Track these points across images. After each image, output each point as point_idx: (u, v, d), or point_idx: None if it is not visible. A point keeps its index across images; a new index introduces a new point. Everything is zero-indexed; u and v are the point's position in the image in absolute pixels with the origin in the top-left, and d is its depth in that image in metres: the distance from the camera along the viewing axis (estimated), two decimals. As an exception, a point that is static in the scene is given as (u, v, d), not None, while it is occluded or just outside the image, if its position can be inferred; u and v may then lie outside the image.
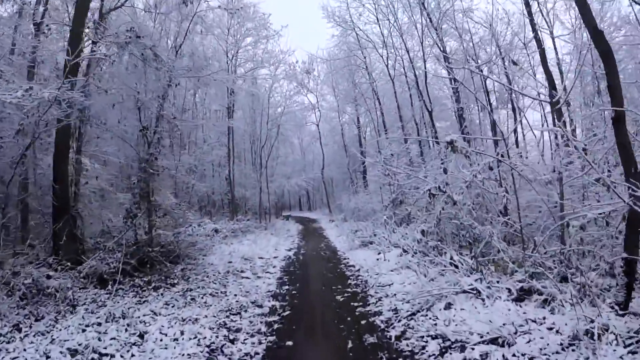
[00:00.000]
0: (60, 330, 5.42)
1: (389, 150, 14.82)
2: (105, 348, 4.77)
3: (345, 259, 10.95)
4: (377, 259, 9.80)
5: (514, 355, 3.85)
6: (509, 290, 5.53)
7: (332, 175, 35.21)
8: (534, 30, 10.56)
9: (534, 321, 4.49)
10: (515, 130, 18.34)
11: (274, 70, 21.84)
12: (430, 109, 22.22)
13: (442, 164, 12.79)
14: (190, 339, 5.08)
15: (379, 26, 22.12)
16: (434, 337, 4.60)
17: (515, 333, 4.25)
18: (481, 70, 21.60)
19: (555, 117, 8.62)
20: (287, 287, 8.21)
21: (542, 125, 11.52)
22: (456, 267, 7.97)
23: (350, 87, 27.16)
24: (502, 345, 4.07)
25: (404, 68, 22.67)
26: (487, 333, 4.35)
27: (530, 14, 10.68)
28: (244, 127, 23.88)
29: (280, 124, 22.82)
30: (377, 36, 22.36)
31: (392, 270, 8.44)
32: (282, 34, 19.72)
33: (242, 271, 9.82)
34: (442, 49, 22.06)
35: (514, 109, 21.27)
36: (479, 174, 8.94)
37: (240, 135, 25.76)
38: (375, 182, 27.52)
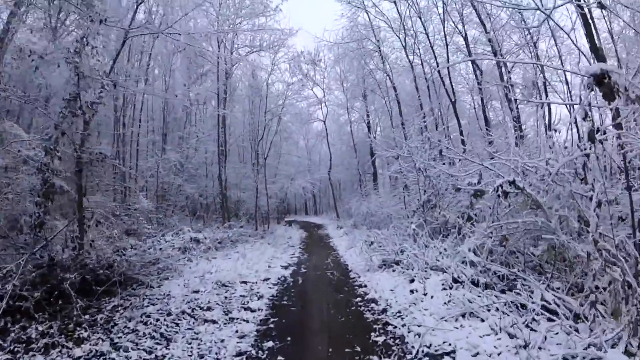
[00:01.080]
0: None
1: (415, 140, 11.27)
2: None
3: (361, 286, 7.45)
4: (412, 291, 6.30)
5: None
6: None
7: (339, 177, 31.82)
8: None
9: None
10: (549, 127, 15.33)
11: (274, 55, 18.52)
12: (453, 99, 18.80)
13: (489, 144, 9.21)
14: None
15: (396, 4, 18.69)
16: None
17: None
18: (504, 64, 18.56)
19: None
20: (271, 343, 4.78)
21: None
22: (552, 313, 4.64)
23: (360, 79, 23.80)
24: None
25: (420, 57, 19.31)
26: None
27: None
28: (241, 119, 20.60)
29: (281, 114, 19.42)
30: (392, 17, 18.98)
31: (444, 319, 4.93)
32: (281, 9, 16.33)
33: (208, 308, 6.40)
34: (464, 34, 18.82)
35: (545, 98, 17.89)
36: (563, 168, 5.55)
37: (237, 131, 22.48)
38: (391, 184, 24.08)
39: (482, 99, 18.93)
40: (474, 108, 24.00)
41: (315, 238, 17.32)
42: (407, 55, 18.51)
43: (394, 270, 7.81)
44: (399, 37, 18.68)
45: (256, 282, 8.36)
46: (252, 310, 6.33)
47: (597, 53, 7.19)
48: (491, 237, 6.06)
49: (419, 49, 19.01)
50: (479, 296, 5.61)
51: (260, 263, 10.65)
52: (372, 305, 6.13)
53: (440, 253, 7.74)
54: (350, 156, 29.89)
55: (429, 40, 18.48)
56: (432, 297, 5.87)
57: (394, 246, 8.82)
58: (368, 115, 26.17)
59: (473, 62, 18.99)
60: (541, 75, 16.99)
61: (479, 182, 7.76)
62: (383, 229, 15.00)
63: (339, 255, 11.74)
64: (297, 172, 23.39)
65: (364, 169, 27.58)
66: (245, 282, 8.27)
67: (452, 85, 19.00)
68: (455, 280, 6.15)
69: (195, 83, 20.73)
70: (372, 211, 16.23)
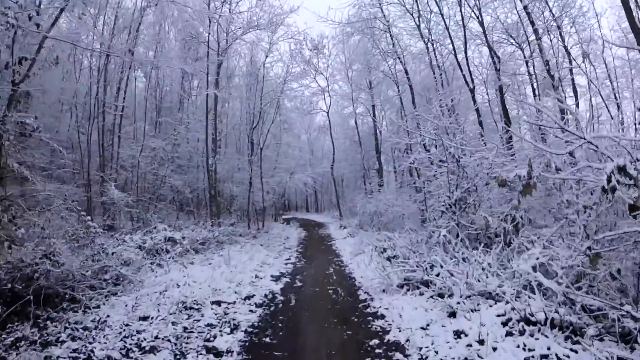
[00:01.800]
0: None
1: (444, 119, 9.02)
2: None
3: (376, 316, 5.27)
4: (459, 335, 4.11)
5: None
6: None
7: (342, 173, 29.62)
8: None
9: None
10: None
11: (272, 34, 16.25)
12: (471, 86, 16.50)
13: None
14: None
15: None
16: None
17: None
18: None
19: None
20: None
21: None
22: None
23: (366, 69, 21.57)
24: None
25: (431, 42, 17.06)
26: None
27: None
28: (238, 107, 18.39)
29: (280, 97, 17.14)
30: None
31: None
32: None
33: (152, 349, 4.26)
34: (480, 18, 16.57)
35: (575, 91, 15.82)
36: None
37: (234, 121, 20.28)
38: (398, 181, 21.85)
39: (500, 88, 16.64)
40: (488, 102, 21.80)
41: (316, 239, 15.12)
42: (421, 36, 16.23)
43: (421, 294, 5.59)
44: (412, 15, 16.38)
45: (234, 303, 6.18)
46: (218, 355, 4.16)
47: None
48: (577, 253, 3.83)
49: (429, 32, 16.70)
50: (573, 351, 3.42)
51: (246, 272, 8.47)
52: (398, 357, 3.90)
53: (483, 270, 5.52)
54: (354, 151, 27.70)
55: (445, 22, 16.20)
56: (494, 349, 3.65)
57: (417, 257, 6.57)
58: (374, 107, 23.96)
59: (490, 49, 16.76)
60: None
61: (529, 176, 5.59)
62: (393, 231, 12.88)
63: (343, 263, 9.52)
64: (298, 166, 21.19)
65: (369, 165, 25.42)
66: (218, 303, 6.09)
67: (470, 72, 16.72)
68: (527, 321, 3.93)
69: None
70: (381, 210, 14.02)
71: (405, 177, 24.32)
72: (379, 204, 14.11)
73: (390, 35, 17.47)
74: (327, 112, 24.51)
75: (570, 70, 15.10)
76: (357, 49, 23.87)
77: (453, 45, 16.49)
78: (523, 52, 17.65)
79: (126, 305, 5.70)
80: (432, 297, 5.39)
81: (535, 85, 18.14)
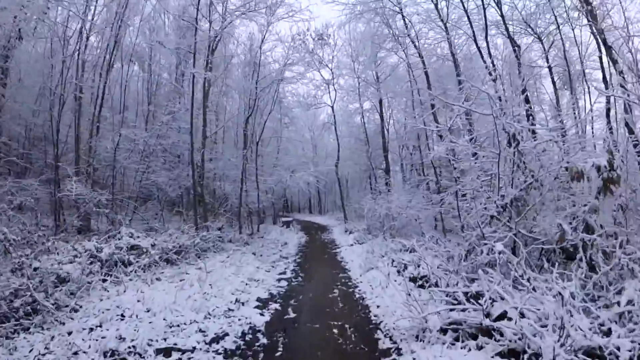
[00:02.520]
0: None
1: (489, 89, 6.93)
2: None
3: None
4: None
5: None
6: None
7: (346, 173, 27.52)
8: None
9: None
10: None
11: (271, 15, 14.16)
12: (494, 75, 14.32)
13: None
14: None
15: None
16: None
17: None
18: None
19: None
20: None
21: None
22: None
23: (373, 61, 19.53)
24: None
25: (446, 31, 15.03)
26: None
27: None
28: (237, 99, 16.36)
29: (279, 82, 15.00)
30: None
31: None
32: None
33: None
34: (499, 5, 14.64)
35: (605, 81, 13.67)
36: None
37: (231, 114, 18.28)
38: (409, 181, 19.72)
39: (523, 79, 14.50)
40: (503, 96, 19.62)
41: (318, 246, 13.01)
42: (439, 15, 14.13)
43: (480, 347, 3.48)
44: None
45: (193, 350, 4.11)
46: None
47: None
48: None
49: (447, 14, 14.59)
50: None
51: (225, 293, 6.43)
52: None
53: (574, 308, 3.43)
54: (360, 149, 25.64)
55: (463, 4, 14.12)
56: None
57: (462, 283, 4.47)
58: (381, 102, 21.90)
59: (511, 38, 14.74)
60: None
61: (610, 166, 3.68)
62: (408, 237, 10.82)
63: (351, 281, 7.41)
64: (299, 164, 19.08)
65: (376, 164, 23.36)
66: (168, 352, 4.02)
67: (491, 59, 14.61)
68: None
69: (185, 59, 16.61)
70: (392, 213, 11.90)
71: (413, 177, 22.31)
72: (390, 205, 12.00)
73: (403, 16, 15.39)
74: (332, 107, 22.47)
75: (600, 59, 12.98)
76: (365, 37, 21.88)
77: (473, 30, 14.38)
78: (542, 43, 15.71)
79: (30, 351, 3.67)
80: (500, 355, 3.28)
81: (555, 77, 16.11)
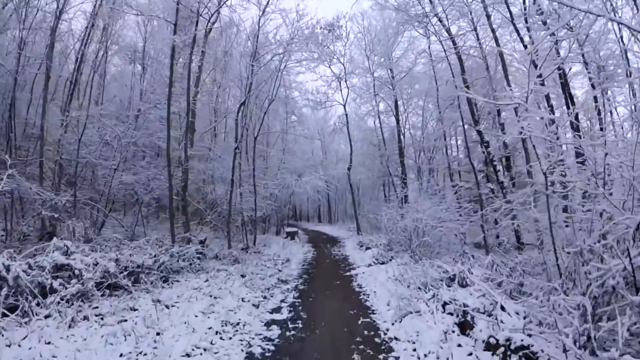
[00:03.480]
0: None
1: None
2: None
3: None
4: None
5: None
6: None
7: (358, 180, 24.87)
8: None
9: None
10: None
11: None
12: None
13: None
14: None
15: None
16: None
17: None
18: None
19: None
20: None
21: None
22: None
23: (389, 51, 17.01)
24: None
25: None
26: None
27: None
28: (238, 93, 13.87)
29: (282, 54, 12.27)
30: None
31: None
32: None
33: None
34: None
35: None
36: None
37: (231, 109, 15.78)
38: (429, 189, 16.93)
39: (563, 71, 11.67)
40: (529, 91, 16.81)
41: (328, 265, 10.22)
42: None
43: None
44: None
45: None
46: None
47: None
48: None
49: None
50: None
51: (175, 355, 3.72)
52: None
53: None
54: (373, 155, 23.15)
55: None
56: None
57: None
58: (396, 103, 19.42)
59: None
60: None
61: None
62: (442, 256, 8.12)
63: (380, 337, 4.64)
64: (307, 168, 16.37)
65: (392, 170, 20.74)
66: None
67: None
68: None
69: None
70: (424, 226, 9.08)
71: (431, 184, 19.52)
72: (420, 216, 9.18)
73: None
74: (344, 105, 19.86)
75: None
76: (382, 29, 19.50)
77: (510, 13, 11.69)
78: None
79: None
80: None
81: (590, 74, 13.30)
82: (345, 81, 19.93)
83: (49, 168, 11.49)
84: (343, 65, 19.59)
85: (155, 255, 7.23)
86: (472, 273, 6.28)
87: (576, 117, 8.81)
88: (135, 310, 5.42)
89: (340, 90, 20.18)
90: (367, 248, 11.38)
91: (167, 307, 5.72)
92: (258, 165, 15.07)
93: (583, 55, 9.45)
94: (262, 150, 16.88)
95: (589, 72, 9.60)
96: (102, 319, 4.94)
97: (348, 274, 8.59)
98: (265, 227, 16.77)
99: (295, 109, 18.01)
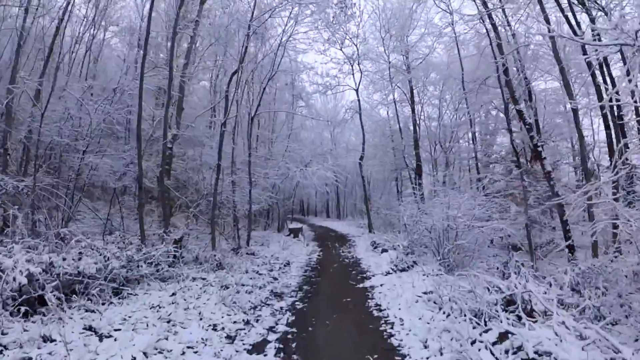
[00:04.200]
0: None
1: None
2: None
3: None
4: None
5: None
6: None
7: (369, 173, 22.94)
8: None
9: None
10: None
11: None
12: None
13: None
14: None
15: None
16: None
17: None
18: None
19: None
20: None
21: None
22: None
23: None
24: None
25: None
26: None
27: None
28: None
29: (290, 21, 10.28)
30: None
31: None
32: None
33: None
34: None
35: None
36: None
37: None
38: (447, 183, 14.87)
39: (605, 59, 9.40)
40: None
41: (336, 270, 8.24)
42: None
43: None
44: None
45: None
46: None
47: None
48: None
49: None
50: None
51: None
52: None
53: None
54: (386, 146, 21.22)
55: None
56: None
57: None
58: (412, 90, 17.51)
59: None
60: None
61: None
62: (473, 266, 6.16)
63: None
64: (315, 157, 14.32)
65: (406, 163, 18.88)
66: None
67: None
68: None
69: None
70: (458, 225, 7.04)
71: (448, 177, 17.60)
72: (452, 213, 7.13)
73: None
74: (357, 90, 17.77)
75: None
76: (395, 11, 17.47)
77: None
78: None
79: None
80: None
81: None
82: (359, 64, 17.86)
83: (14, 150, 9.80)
84: (356, 46, 17.50)
85: (107, 259, 5.36)
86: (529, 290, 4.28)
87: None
88: (52, 341, 3.60)
89: (353, 74, 18.11)
90: (384, 250, 9.36)
91: (101, 337, 3.88)
92: (260, 153, 13.20)
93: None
94: (266, 137, 14.97)
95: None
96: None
97: (361, 285, 6.62)
98: (266, 222, 14.88)
99: (302, 93, 15.99)
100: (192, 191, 11.84)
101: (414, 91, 17.80)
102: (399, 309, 4.98)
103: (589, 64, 8.31)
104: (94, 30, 13.75)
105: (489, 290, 4.92)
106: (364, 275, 7.42)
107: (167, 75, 8.70)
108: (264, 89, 10.16)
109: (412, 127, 18.09)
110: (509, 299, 4.69)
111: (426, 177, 19.24)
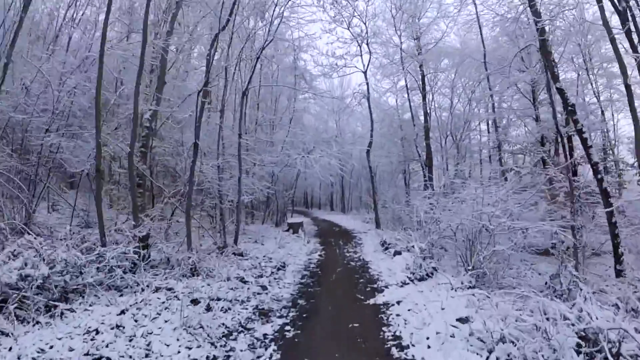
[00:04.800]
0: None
1: None
2: None
3: None
4: None
5: None
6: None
7: (375, 166, 21.36)
8: None
9: None
10: None
11: None
12: None
13: None
14: None
15: None
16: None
17: None
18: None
19: None
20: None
21: None
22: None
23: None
24: None
25: None
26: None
27: None
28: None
29: None
30: None
31: None
32: None
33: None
34: None
35: None
36: None
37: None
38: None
39: None
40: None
41: (341, 279, 6.74)
42: None
43: None
44: None
45: None
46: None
47: None
48: None
49: None
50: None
51: None
52: None
53: None
54: (393, 137, 19.44)
55: None
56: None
57: None
58: (423, 78, 16.05)
59: None
60: None
61: None
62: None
63: None
64: (318, 143, 12.74)
65: (416, 153, 17.64)
66: None
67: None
68: None
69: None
70: (493, 228, 5.53)
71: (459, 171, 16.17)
72: (489, 210, 5.62)
73: None
74: (365, 72, 16.11)
75: None
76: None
77: None
78: None
79: None
80: None
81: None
82: (367, 44, 16.16)
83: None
84: (364, 24, 15.78)
85: (36, 265, 3.96)
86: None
87: None
88: None
89: (361, 55, 16.43)
90: (397, 253, 7.86)
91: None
92: (259, 138, 11.69)
93: None
94: (267, 120, 13.40)
95: None
96: None
97: (372, 301, 5.15)
98: (264, 216, 13.44)
99: (306, 75, 14.37)
100: (184, 181, 10.42)
101: (425, 78, 16.31)
102: (428, 346, 3.52)
103: None
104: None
105: (550, 320, 3.45)
106: (375, 285, 5.95)
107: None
108: (258, 58, 8.54)
109: (422, 117, 16.59)
110: (582, 335, 3.27)
111: (435, 170, 17.81)
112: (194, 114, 7.31)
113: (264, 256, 7.54)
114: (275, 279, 6.14)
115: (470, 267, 5.67)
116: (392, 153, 20.75)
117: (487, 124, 12.71)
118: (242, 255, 7.16)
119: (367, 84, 16.25)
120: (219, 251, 7.03)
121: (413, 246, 8.02)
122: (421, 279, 6.25)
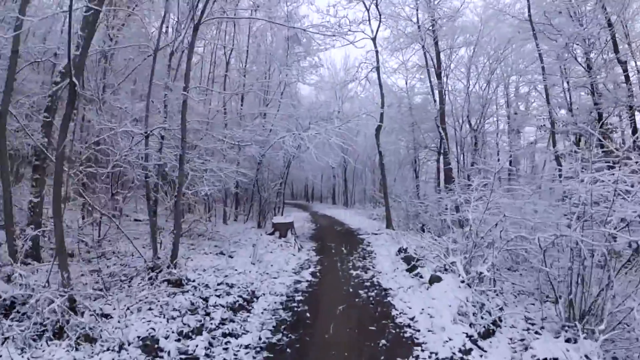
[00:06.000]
0: None
1: None
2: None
3: None
4: None
5: None
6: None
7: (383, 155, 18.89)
8: None
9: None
10: None
11: None
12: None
13: None
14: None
15: None
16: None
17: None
18: None
19: None
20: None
21: None
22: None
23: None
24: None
25: None
26: None
27: None
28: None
29: None
30: None
31: None
32: None
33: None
34: None
35: None
36: None
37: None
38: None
39: None
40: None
41: (346, 332, 3.97)
42: None
43: None
44: None
45: None
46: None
47: None
48: None
49: None
50: None
51: None
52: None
53: None
54: (402, 122, 16.99)
55: None
56: None
57: None
58: (438, 55, 13.49)
59: None
60: None
61: None
62: None
63: None
64: (315, 119, 9.79)
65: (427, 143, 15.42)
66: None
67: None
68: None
69: None
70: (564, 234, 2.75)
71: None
72: (634, 211, 2.86)
73: None
74: (374, 39, 13.18)
75: None
76: None
77: None
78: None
79: None
80: None
81: None
82: (377, 5, 13.19)
83: None
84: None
85: None
86: None
87: None
88: None
89: (369, 20, 13.46)
90: (435, 279, 4.97)
91: None
92: (234, 108, 8.73)
93: None
94: (253, 86, 10.43)
95: None
96: None
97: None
98: (247, 212, 10.62)
99: (302, 38, 11.45)
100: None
101: (440, 54, 13.54)
102: None
103: None
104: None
105: None
106: (410, 346, 3.17)
107: None
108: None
109: (437, 99, 13.92)
110: None
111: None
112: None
113: (220, 282, 4.73)
114: (223, 334, 3.36)
115: (576, 318, 2.86)
116: (401, 139, 18.36)
117: (545, 88, 9.71)
118: (180, 283, 4.34)
119: (377, 52, 13.31)
120: (147, 276, 4.27)
121: (453, 263, 5.22)
122: (486, 335, 3.48)
